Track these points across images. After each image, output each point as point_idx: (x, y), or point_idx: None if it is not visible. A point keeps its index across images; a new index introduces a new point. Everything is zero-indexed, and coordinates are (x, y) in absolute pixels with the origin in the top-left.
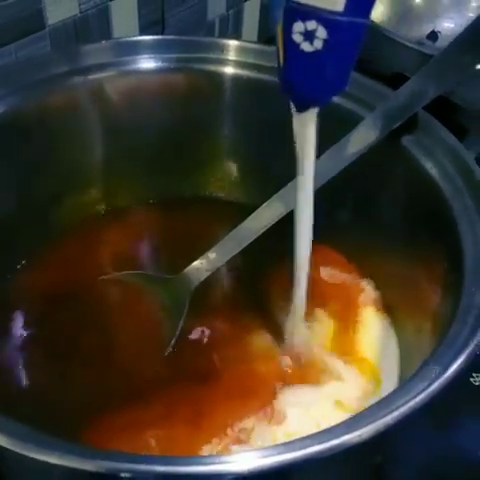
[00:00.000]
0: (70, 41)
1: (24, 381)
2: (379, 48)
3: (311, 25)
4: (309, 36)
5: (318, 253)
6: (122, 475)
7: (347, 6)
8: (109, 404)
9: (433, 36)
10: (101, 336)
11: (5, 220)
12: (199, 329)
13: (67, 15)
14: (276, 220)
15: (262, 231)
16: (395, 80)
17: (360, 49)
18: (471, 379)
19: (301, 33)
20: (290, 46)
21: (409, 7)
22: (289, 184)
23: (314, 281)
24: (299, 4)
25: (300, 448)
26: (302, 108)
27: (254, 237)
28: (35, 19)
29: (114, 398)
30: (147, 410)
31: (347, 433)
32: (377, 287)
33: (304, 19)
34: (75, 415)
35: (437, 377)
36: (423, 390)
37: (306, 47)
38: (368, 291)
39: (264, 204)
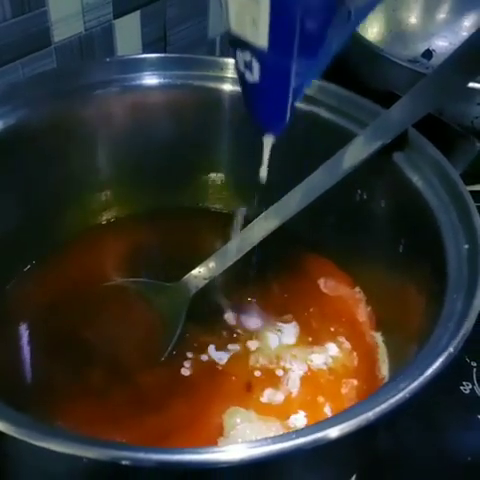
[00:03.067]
0: (75, 58)
1: (27, 379)
2: (373, 67)
3: (247, 56)
4: (248, 66)
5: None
6: (123, 462)
7: (271, 43)
8: (89, 399)
9: (428, 54)
10: (100, 340)
11: (10, 228)
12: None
13: (72, 33)
14: (272, 231)
15: (258, 241)
16: (388, 98)
17: (291, 86)
18: (461, 387)
19: (243, 62)
20: (239, 74)
21: (404, 26)
22: (284, 197)
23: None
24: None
25: (287, 440)
26: (260, 132)
27: (250, 247)
28: (42, 36)
29: (100, 396)
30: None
31: (331, 427)
32: (367, 298)
33: (242, 50)
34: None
35: (416, 378)
36: (402, 389)
37: (248, 77)
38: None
39: (261, 215)
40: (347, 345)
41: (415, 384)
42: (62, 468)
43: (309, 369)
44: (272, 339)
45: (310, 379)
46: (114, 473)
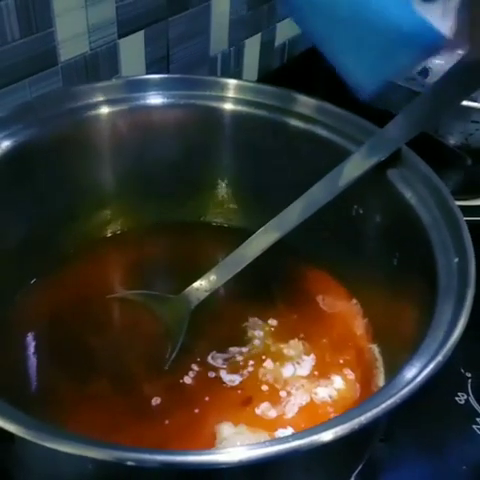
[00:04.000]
0: (81, 76)
1: (32, 388)
2: None
3: None
4: None
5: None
6: (128, 463)
7: None
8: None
9: (424, 72)
10: (104, 350)
11: (19, 241)
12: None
13: (78, 52)
14: (271, 244)
15: (258, 254)
16: (383, 117)
17: None
18: (456, 398)
19: None
20: None
21: None
22: (284, 211)
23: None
24: None
25: (283, 443)
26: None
27: (250, 260)
28: (48, 56)
29: (102, 405)
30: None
31: (325, 430)
32: (364, 310)
33: None
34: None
35: (406, 385)
36: (393, 396)
37: None
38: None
39: (260, 229)
40: (351, 376)
41: (405, 391)
42: (70, 469)
43: (311, 400)
44: (287, 368)
45: (309, 409)
46: (119, 474)
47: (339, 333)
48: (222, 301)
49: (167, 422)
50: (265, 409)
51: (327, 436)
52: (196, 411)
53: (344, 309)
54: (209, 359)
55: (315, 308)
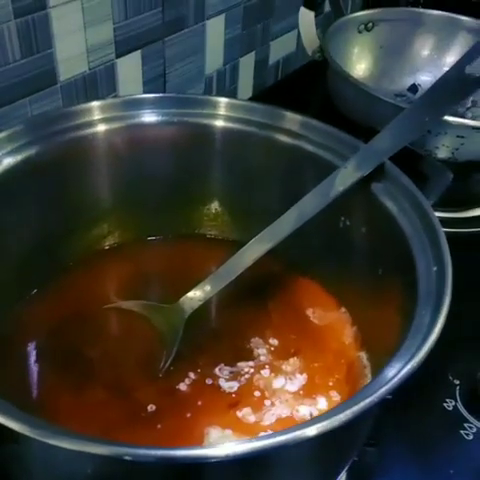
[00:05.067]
0: (80, 95)
1: (32, 394)
2: (358, 102)
3: None
4: None
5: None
6: (125, 458)
7: None
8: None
9: (413, 88)
10: (102, 358)
11: (20, 253)
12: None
13: (77, 72)
14: (263, 253)
15: (250, 264)
16: (372, 133)
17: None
18: (444, 404)
19: None
20: None
21: (391, 62)
22: (275, 221)
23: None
24: None
25: (268, 438)
26: None
27: (243, 270)
28: (48, 76)
29: (98, 410)
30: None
31: (309, 426)
32: (352, 318)
33: None
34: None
35: (383, 385)
36: (370, 395)
37: None
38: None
39: (252, 240)
40: (337, 398)
41: (382, 390)
42: (71, 467)
43: (291, 415)
44: (279, 380)
45: (286, 423)
46: (117, 469)
47: (332, 348)
48: (217, 312)
49: (159, 426)
50: (246, 413)
51: (311, 431)
52: (188, 415)
53: (334, 320)
54: (216, 371)
55: (308, 323)
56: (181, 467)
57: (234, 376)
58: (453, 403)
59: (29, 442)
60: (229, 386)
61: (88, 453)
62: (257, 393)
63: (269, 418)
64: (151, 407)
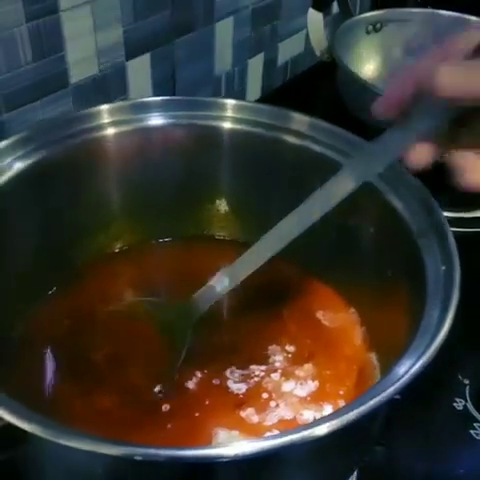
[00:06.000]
0: (90, 97)
1: (45, 395)
2: (367, 103)
3: None
4: None
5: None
6: (136, 458)
7: None
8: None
9: None
10: (112, 358)
11: (31, 257)
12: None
13: (88, 74)
14: (276, 252)
15: (266, 260)
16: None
17: None
18: (454, 404)
19: None
20: None
21: (398, 64)
22: (281, 221)
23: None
24: None
25: (277, 438)
26: None
27: (262, 263)
28: (59, 79)
29: (108, 412)
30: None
31: (317, 426)
32: (362, 319)
33: None
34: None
35: (391, 385)
36: (378, 394)
37: None
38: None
39: (264, 235)
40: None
41: (390, 390)
42: (81, 467)
43: (294, 418)
44: (289, 384)
45: (288, 425)
46: (127, 469)
47: (344, 353)
48: (229, 316)
49: (169, 426)
50: (250, 413)
51: (321, 430)
52: (196, 415)
53: (344, 321)
54: (227, 373)
55: (320, 326)
56: (191, 467)
57: (244, 378)
58: (463, 403)
59: (41, 442)
60: (238, 388)
61: (99, 453)
62: (264, 395)
63: (272, 419)
64: (165, 407)
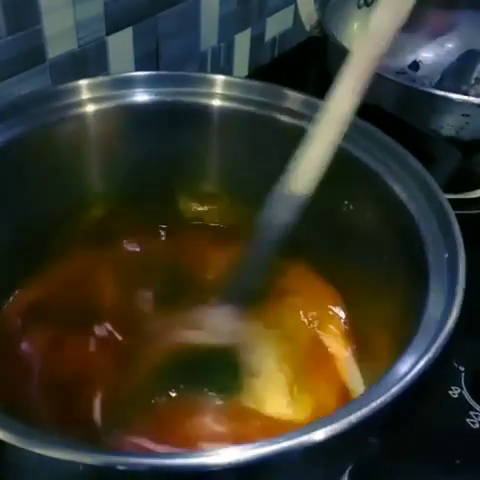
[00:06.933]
0: (69, 73)
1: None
2: None
3: None
4: None
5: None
6: (119, 467)
7: None
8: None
9: (414, 66)
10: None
11: (6, 244)
12: None
13: (66, 49)
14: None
15: None
16: (375, 112)
17: None
18: (450, 392)
19: None
20: None
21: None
22: None
23: None
24: None
25: (273, 443)
26: None
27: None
28: (36, 53)
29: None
30: None
31: (316, 430)
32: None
33: None
34: None
35: (396, 383)
36: (382, 394)
37: None
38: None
39: None
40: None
41: (395, 389)
42: (61, 475)
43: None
44: (278, 403)
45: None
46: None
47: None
48: None
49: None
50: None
51: (319, 435)
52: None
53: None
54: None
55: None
56: (177, 476)
57: None
58: (458, 391)
59: (15, 450)
60: None
61: (78, 462)
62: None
63: None
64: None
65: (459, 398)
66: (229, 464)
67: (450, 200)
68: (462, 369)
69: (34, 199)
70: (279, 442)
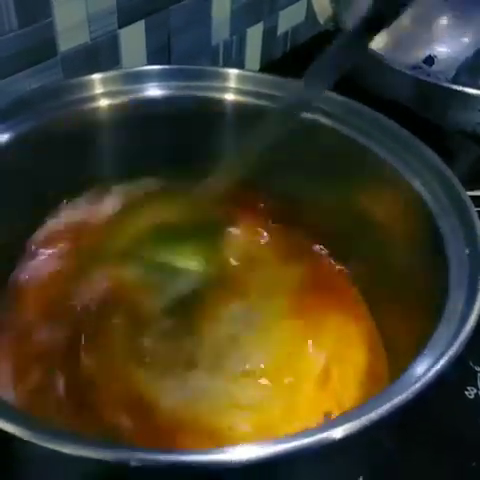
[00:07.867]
0: (81, 67)
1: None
2: (375, 74)
3: None
4: None
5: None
6: (132, 464)
7: None
8: None
9: (429, 60)
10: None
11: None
12: None
13: (78, 43)
14: None
15: None
16: (391, 106)
17: None
18: (466, 392)
19: None
20: None
21: (406, 33)
22: None
23: None
24: None
25: (290, 441)
26: None
27: None
28: (48, 47)
29: None
30: None
31: (333, 428)
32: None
33: None
34: None
35: (417, 380)
36: (403, 392)
37: None
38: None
39: None
40: None
41: (416, 386)
42: (72, 470)
43: None
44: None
45: None
46: (123, 475)
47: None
48: None
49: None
50: None
51: (337, 433)
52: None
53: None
54: None
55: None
56: (193, 473)
57: None
58: (474, 391)
59: (26, 444)
60: None
61: (91, 458)
62: None
63: None
64: None
65: (475, 399)
66: (247, 461)
67: (471, 196)
68: (478, 369)
69: (45, 192)
70: (298, 439)
